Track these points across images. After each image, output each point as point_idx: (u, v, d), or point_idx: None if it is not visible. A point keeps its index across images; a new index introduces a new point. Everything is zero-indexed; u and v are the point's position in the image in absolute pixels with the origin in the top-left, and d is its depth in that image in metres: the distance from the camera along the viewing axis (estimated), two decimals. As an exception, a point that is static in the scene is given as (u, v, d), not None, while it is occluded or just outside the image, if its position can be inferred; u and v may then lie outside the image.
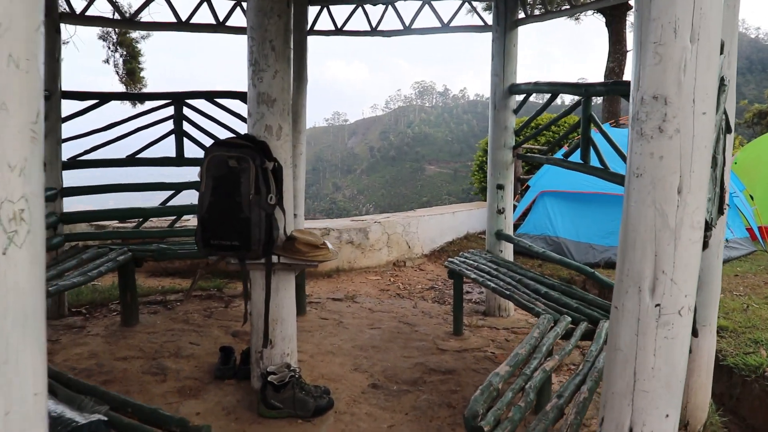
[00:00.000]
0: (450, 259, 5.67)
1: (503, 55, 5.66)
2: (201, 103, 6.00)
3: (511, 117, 5.77)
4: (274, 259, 3.77)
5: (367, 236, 7.82)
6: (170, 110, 5.87)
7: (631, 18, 16.27)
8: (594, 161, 4.65)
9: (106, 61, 15.25)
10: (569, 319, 3.91)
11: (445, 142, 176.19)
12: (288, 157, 3.93)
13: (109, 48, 15.11)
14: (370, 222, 7.99)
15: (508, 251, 5.95)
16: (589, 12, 17.47)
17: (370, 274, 7.81)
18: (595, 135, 4.62)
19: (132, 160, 5.78)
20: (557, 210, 8.37)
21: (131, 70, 14.65)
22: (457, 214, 9.07)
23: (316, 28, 6.29)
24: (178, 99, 5.84)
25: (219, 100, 5.87)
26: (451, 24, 6.15)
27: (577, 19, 18.15)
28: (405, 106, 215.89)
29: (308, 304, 6.19)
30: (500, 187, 5.84)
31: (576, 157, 4.90)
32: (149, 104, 5.97)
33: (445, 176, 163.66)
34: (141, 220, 6.00)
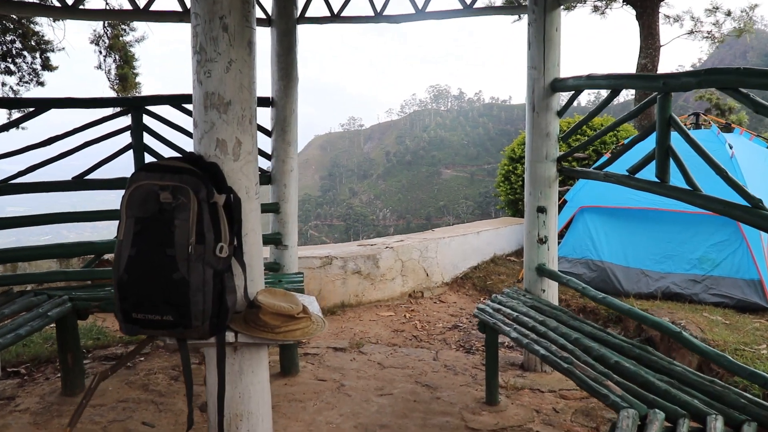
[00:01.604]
0: (480, 304, 4.43)
1: (543, 42, 4.43)
2: (166, 110, 4.85)
3: (554, 121, 4.54)
4: (229, 337, 2.56)
5: (378, 264, 6.61)
6: (127, 120, 4.71)
7: (664, 9, 14.99)
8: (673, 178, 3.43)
9: (99, 66, 14.21)
10: (662, 415, 2.67)
11: (461, 146, 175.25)
12: (252, 185, 2.73)
13: (100, 53, 14.07)
14: (380, 247, 6.78)
15: (552, 291, 4.72)
16: (617, 4, 16.22)
17: (381, 309, 6.59)
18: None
19: (79, 183, 4.62)
20: (601, 229, 7.11)
21: (123, 76, 13.57)
22: (482, 233, 7.83)
23: (307, 14, 5.09)
24: (135, 105, 4.67)
25: (189, 106, 4.70)
26: (476, 5, 4.91)
27: (602, 13, 16.87)
28: (420, 110, 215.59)
29: (303, 356, 5.00)
30: (541, 210, 4.61)
31: (647, 173, 3.67)
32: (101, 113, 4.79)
33: (462, 180, 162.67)
34: (92, 257, 4.81)
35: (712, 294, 6.21)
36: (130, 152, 4.70)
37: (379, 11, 5.03)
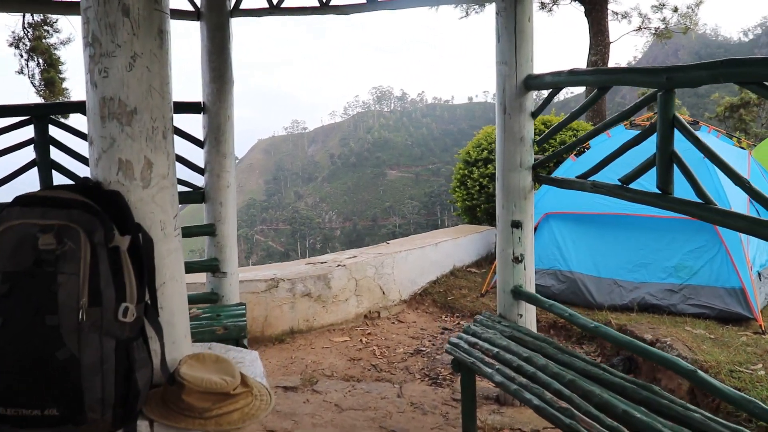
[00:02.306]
0: (452, 338, 3.83)
1: (514, 33, 3.87)
2: (78, 120, 4.12)
3: (528, 123, 3.98)
4: (142, 427, 1.90)
5: (329, 284, 5.97)
6: (29, 131, 3.97)
7: (612, 6, 14.75)
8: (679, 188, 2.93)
9: (20, 71, 13.18)
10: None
11: (405, 147, 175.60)
12: (170, 218, 2.08)
13: (21, 56, 13.05)
14: (331, 265, 6.14)
15: (530, 316, 4.17)
16: (564, 1, 15.95)
17: (335, 334, 5.95)
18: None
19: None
20: (568, 237, 6.63)
21: (50, 80, 12.60)
22: (441, 245, 7.26)
23: (242, 5, 4.41)
24: (38, 114, 3.93)
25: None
26: (435, -6, 4.32)
27: (550, 10, 16.58)
28: (364, 111, 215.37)
29: (248, 400, 4.33)
30: (516, 224, 4.05)
31: (646, 183, 3.15)
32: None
33: (407, 180, 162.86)
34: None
35: (692, 304, 5.78)
36: (34, 171, 3.97)
37: (325, 1, 4.38)
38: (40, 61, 12.93)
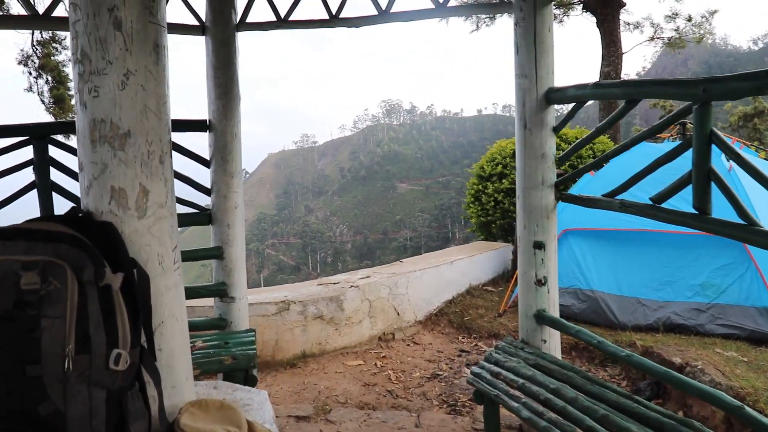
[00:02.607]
0: (474, 368, 3.61)
1: (534, 44, 3.68)
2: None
3: (550, 139, 3.78)
4: (137, 486, 1.70)
5: (342, 306, 5.76)
6: (28, 152, 3.81)
7: (623, 16, 14.55)
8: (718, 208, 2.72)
9: (29, 89, 13.12)
10: None
11: (415, 159, 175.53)
12: (168, 251, 1.89)
13: (30, 74, 12.99)
14: (344, 286, 5.93)
15: (554, 341, 3.94)
16: (575, 12, 15.76)
17: (348, 358, 5.74)
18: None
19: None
20: (588, 254, 6.39)
21: (59, 97, 12.52)
22: (456, 263, 7.05)
23: (249, 19, 4.24)
24: (38, 135, 3.77)
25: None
26: (449, 4, 4.13)
27: (560, 21, 16.39)
28: (373, 125, 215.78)
29: (258, 432, 4.12)
30: (539, 245, 3.84)
31: (680, 202, 2.94)
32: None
33: (417, 193, 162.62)
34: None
35: (720, 324, 5.53)
36: (33, 193, 3.80)
37: (334, 13, 4.20)
38: (49, 78, 12.85)
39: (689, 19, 14.38)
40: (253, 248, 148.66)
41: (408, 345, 6.18)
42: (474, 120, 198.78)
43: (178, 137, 4.22)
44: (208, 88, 4.18)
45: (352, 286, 5.89)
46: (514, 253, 8.11)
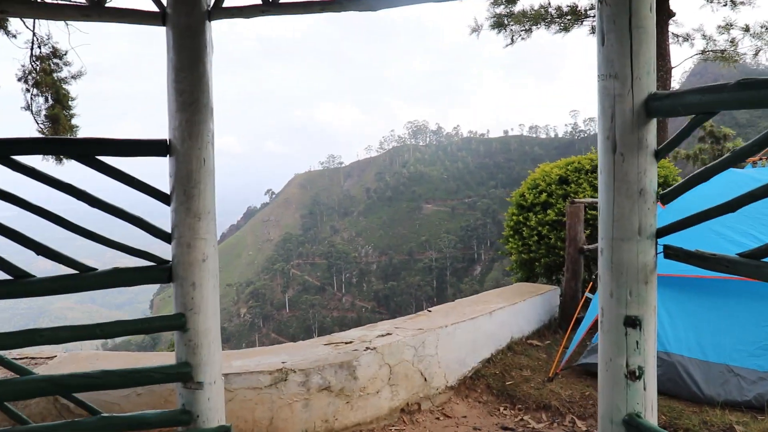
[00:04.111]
0: None
1: (629, 29, 2.51)
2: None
3: (650, 168, 2.59)
4: None
5: (355, 374, 4.57)
6: None
7: (672, 28, 13.32)
8: None
9: (27, 107, 12.21)
10: None
11: (441, 180, 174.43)
12: None
13: (28, 91, 12.08)
14: (357, 347, 4.74)
15: (655, 460, 2.71)
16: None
17: (361, 440, 4.55)
18: None
19: None
20: (663, 307, 5.14)
21: (54, 117, 11.57)
22: (496, 314, 5.81)
23: (225, 3, 3.11)
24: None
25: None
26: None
27: (593, 31, 15.18)
28: (399, 146, 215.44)
29: None
30: (633, 322, 2.63)
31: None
32: None
33: (443, 214, 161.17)
34: None
35: None
36: None
37: (331, -4, 3.05)
38: (48, 96, 11.92)
39: (746, 29, 13.02)
40: (278, 268, 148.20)
41: (437, 418, 4.97)
42: (500, 141, 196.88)
43: (134, 164, 3.11)
44: (168, 97, 3.06)
45: (367, 349, 4.69)
46: (563, 297, 6.87)
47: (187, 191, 3.01)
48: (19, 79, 12.15)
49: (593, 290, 5.88)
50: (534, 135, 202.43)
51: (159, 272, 3.09)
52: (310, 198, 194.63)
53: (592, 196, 7.20)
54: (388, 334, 5.06)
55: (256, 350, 4.88)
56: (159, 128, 3.29)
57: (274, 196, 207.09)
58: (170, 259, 3.11)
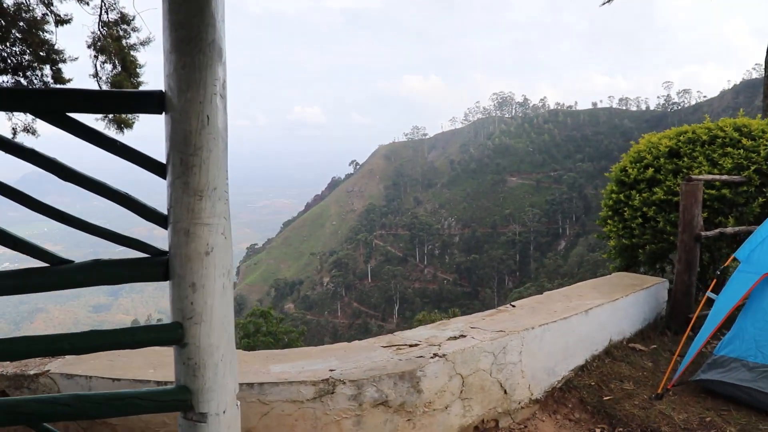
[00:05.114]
0: None
1: None
2: None
3: None
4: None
5: (418, 386, 3.74)
6: None
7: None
8: None
9: (95, 75, 11.84)
10: None
11: (526, 153, 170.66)
12: None
13: (96, 57, 11.69)
14: (424, 354, 3.89)
15: None
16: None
17: (425, 465, 3.74)
18: None
19: None
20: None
21: (118, 84, 11.13)
22: (592, 312, 4.84)
23: None
24: None
25: None
26: None
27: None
28: (484, 118, 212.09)
29: None
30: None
31: None
32: None
33: (528, 188, 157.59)
34: None
35: None
36: None
37: None
38: (116, 62, 11.49)
39: None
40: (361, 238, 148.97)
41: (520, 440, 4.10)
42: (588, 113, 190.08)
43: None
44: (162, 33, 2.27)
45: (435, 356, 3.85)
46: (671, 292, 5.81)
47: (185, 160, 2.23)
48: (89, 46, 11.78)
49: (717, 289, 4.82)
50: (624, 108, 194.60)
51: (152, 266, 2.33)
52: (393, 169, 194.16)
53: (709, 172, 6.05)
54: (462, 336, 4.19)
55: (301, 351, 4.10)
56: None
57: (358, 166, 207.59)
58: (170, 249, 2.35)
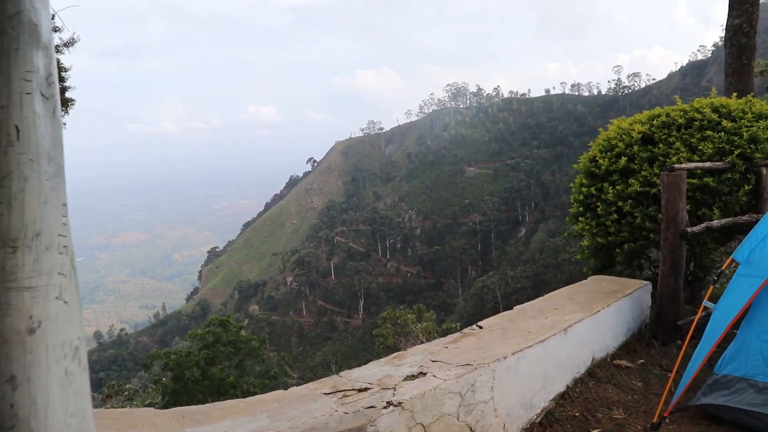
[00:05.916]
0: None
1: None
2: None
3: None
4: None
5: (371, 444, 3.02)
6: None
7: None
8: None
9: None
10: None
11: (483, 143, 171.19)
12: None
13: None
14: (376, 403, 3.15)
15: None
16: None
17: None
18: None
19: None
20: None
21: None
22: (572, 330, 4.17)
23: None
24: None
25: None
26: None
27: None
28: (439, 109, 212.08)
29: None
30: None
31: None
32: None
33: (486, 177, 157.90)
34: None
35: None
36: None
37: None
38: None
39: None
40: (323, 236, 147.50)
41: (496, 493, 3.42)
42: (542, 101, 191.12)
43: None
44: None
45: (389, 404, 3.12)
46: (655, 296, 5.19)
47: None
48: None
49: (714, 297, 4.18)
50: (576, 93, 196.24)
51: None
52: (351, 165, 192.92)
53: (689, 159, 5.45)
54: (422, 374, 3.47)
55: (225, 407, 3.32)
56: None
57: (316, 164, 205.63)
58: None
